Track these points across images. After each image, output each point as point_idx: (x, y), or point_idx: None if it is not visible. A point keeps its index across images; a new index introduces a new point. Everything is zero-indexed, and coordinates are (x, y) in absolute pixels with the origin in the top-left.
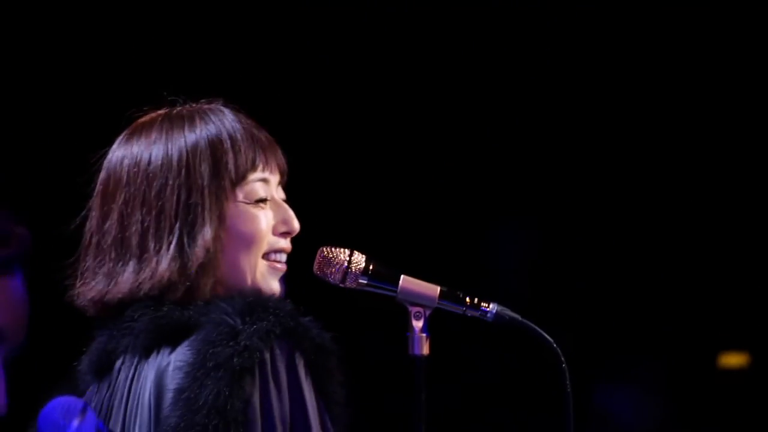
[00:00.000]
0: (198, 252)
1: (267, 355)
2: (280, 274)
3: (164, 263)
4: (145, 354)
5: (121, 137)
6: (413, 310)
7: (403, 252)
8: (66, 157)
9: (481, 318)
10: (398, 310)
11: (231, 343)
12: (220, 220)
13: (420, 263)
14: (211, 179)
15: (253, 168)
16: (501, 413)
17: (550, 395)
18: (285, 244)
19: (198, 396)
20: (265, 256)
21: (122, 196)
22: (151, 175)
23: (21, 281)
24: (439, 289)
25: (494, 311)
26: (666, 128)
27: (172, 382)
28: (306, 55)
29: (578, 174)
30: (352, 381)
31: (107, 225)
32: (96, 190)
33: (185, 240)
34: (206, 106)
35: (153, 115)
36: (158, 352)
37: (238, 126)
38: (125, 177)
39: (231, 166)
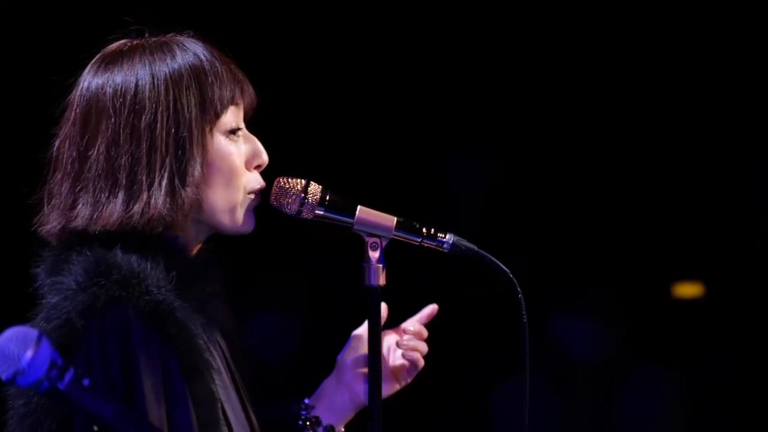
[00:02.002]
0: (189, 190)
1: (94, 325)
2: (255, 205)
3: (158, 199)
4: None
5: (94, 65)
6: (369, 240)
7: (359, 182)
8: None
9: (437, 248)
10: (355, 240)
11: (59, 314)
12: (204, 153)
13: (376, 193)
14: (198, 112)
15: (232, 101)
16: (456, 343)
17: (506, 325)
18: (261, 183)
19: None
20: (247, 191)
21: (108, 126)
22: (138, 106)
23: None
24: (395, 219)
25: (451, 242)
26: (614, 50)
27: None
28: None
29: (530, 101)
30: (309, 311)
31: (91, 154)
32: (72, 116)
33: (176, 175)
34: (180, 38)
35: (127, 43)
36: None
37: (216, 58)
38: (110, 107)
39: (215, 97)
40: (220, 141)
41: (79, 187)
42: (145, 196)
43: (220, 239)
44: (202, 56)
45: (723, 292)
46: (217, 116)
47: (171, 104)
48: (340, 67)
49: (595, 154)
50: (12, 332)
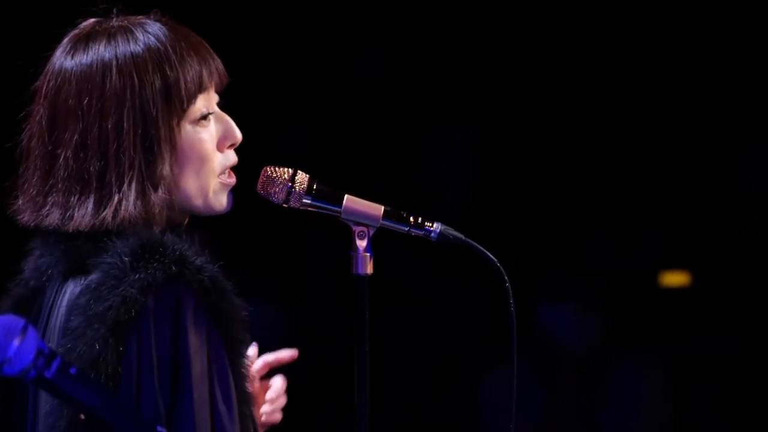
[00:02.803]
0: (160, 190)
1: (151, 303)
2: (230, 187)
3: (128, 201)
4: (64, 279)
5: (61, 51)
6: (357, 229)
7: (345, 172)
8: None
9: (425, 237)
10: (342, 229)
11: (113, 292)
12: (173, 149)
13: (362, 183)
14: (163, 105)
15: (200, 87)
16: (444, 331)
17: (493, 314)
18: (233, 159)
19: (76, 343)
20: (219, 175)
21: (76, 127)
22: (105, 107)
23: None
24: (382, 208)
25: (438, 231)
26: (605, 38)
27: (66, 322)
28: None
29: (515, 90)
30: (296, 300)
31: (60, 153)
32: (40, 109)
33: (145, 176)
34: (143, 20)
35: (95, 26)
36: (74, 280)
37: (180, 41)
38: (77, 106)
39: (180, 89)
40: (188, 130)
41: (48, 185)
42: (116, 198)
43: (208, 227)
44: (166, 42)
45: (710, 281)
46: (184, 108)
47: (137, 101)
48: (326, 56)
49: (581, 143)
50: None
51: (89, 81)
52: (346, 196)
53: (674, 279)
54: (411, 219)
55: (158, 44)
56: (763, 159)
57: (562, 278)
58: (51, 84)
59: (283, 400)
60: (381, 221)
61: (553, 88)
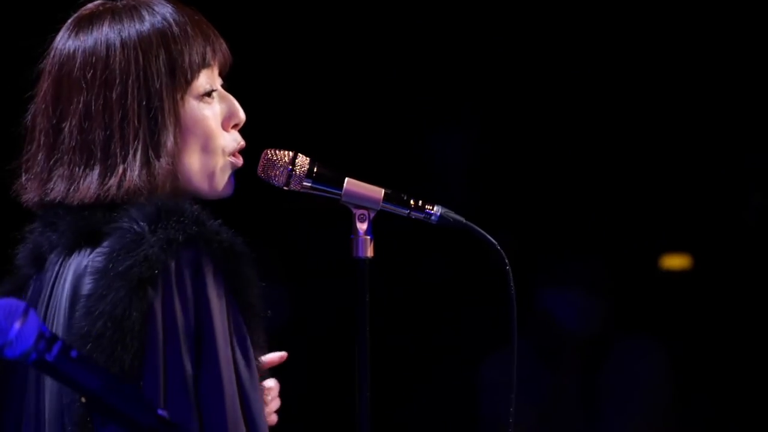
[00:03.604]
0: (163, 161)
1: (172, 265)
2: (236, 168)
3: (133, 171)
4: (68, 253)
5: (66, 30)
6: (357, 212)
7: (347, 154)
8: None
9: (425, 220)
10: (343, 211)
11: (133, 253)
12: (177, 122)
13: (362, 166)
14: (167, 79)
15: (204, 63)
16: (444, 316)
17: (494, 297)
18: (241, 141)
19: (98, 304)
20: (227, 156)
21: (81, 99)
22: (109, 78)
23: None
24: (383, 191)
25: (438, 213)
26: (606, 30)
27: (84, 288)
28: None
29: (516, 73)
30: (296, 283)
31: (64, 126)
32: (44, 86)
33: (150, 147)
34: (154, 4)
35: (99, 6)
36: (79, 253)
37: (185, 19)
38: (81, 78)
39: (185, 63)
40: (193, 106)
41: (53, 160)
42: (120, 169)
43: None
44: (171, 20)
45: (711, 264)
46: (188, 82)
47: (141, 74)
48: (324, 40)
49: (582, 127)
50: None
51: (93, 55)
52: (346, 179)
53: (675, 262)
54: (411, 202)
55: (163, 22)
56: (764, 142)
57: (562, 261)
58: (55, 61)
59: (277, 403)
60: (381, 204)
61: (554, 71)
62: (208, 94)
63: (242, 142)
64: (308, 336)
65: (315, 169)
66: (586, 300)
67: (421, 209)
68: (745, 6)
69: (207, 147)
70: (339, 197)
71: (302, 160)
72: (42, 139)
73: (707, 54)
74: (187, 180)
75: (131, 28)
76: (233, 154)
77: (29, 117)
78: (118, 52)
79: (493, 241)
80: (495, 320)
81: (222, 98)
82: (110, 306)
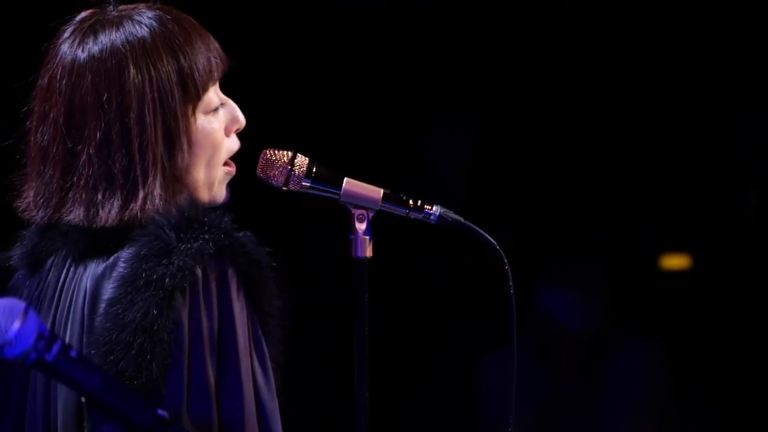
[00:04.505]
0: (181, 181)
1: (199, 274)
2: (231, 176)
3: (154, 196)
4: (81, 257)
5: (69, 42)
6: (356, 212)
7: (346, 154)
8: None
9: (424, 220)
10: (341, 211)
11: (164, 261)
12: (189, 138)
13: (360, 166)
14: (180, 96)
15: (211, 76)
16: (443, 316)
17: (493, 297)
18: (237, 144)
19: (126, 312)
20: (223, 165)
21: (98, 124)
22: (125, 102)
23: None
24: (382, 191)
25: (437, 213)
26: (604, 30)
27: (106, 292)
28: None
29: (514, 72)
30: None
31: (81, 149)
32: (53, 103)
33: (167, 168)
34: (144, 9)
35: (94, 17)
36: (95, 258)
37: (187, 30)
38: (96, 104)
39: (195, 75)
40: (202, 120)
41: (69, 183)
42: (141, 194)
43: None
44: (175, 31)
45: (710, 264)
46: (199, 97)
47: (156, 94)
48: (323, 41)
49: (581, 126)
50: None
51: (106, 75)
52: (345, 179)
53: (673, 262)
54: (410, 202)
55: (167, 32)
56: (762, 140)
57: (561, 261)
58: (65, 81)
59: None
60: (380, 204)
61: (552, 70)
62: (215, 109)
63: (238, 145)
64: (307, 336)
65: (314, 169)
66: (584, 299)
67: (420, 209)
68: (745, 7)
69: (212, 160)
70: (338, 197)
71: (301, 160)
72: (56, 161)
73: (706, 54)
74: (191, 190)
75: (138, 41)
76: (227, 163)
77: (37, 135)
78: (131, 71)
79: (492, 240)
80: (494, 320)
81: (224, 105)
82: (140, 315)
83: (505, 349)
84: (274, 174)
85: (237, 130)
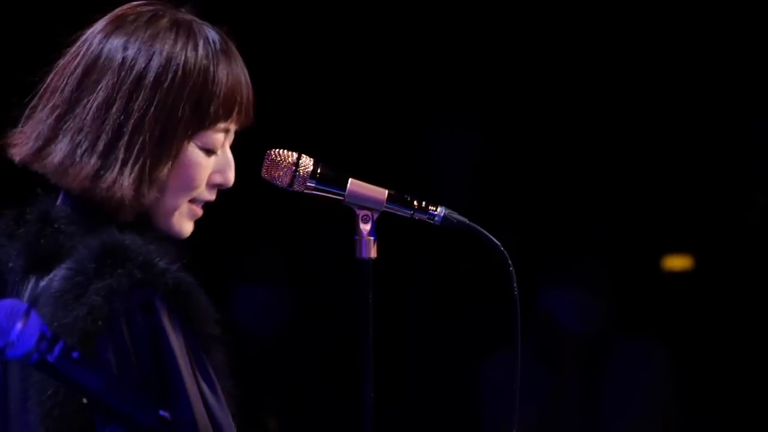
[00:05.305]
0: (153, 188)
1: (120, 310)
2: (197, 217)
3: (124, 181)
4: (24, 275)
5: (116, 22)
6: (361, 213)
7: (350, 155)
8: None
9: (428, 221)
10: (346, 212)
11: (78, 302)
12: (176, 156)
13: (366, 166)
14: (190, 115)
15: (226, 120)
16: (447, 316)
17: (496, 297)
18: (212, 197)
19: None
20: (192, 200)
21: (108, 84)
22: (142, 81)
23: None
24: (386, 192)
25: (442, 215)
26: (607, 32)
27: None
28: None
29: (517, 73)
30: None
31: (84, 99)
32: (80, 52)
33: (148, 166)
34: (208, 27)
35: (160, 11)
36: (35, 277)
37: (235, 72)
38: (116, 67)
39: (210, 109)
40: (194, 149)
41: (61, 127)
42: (115, 171)
43: (212, 211)
44: (219, 62)
45: (713, 265)
46: (203, 127)
47: (171, 94)
48: (329, 42)
49: (583, 126)
50: (1, 305)
51: (138, 50)
52: (350, 180)
53: (677, 263)
54: (415, 203)
55: (213, 54)
56: (766, 141)
57: (564, 262)
58: (95, 44)
59: None
60: (385, 205)
61: (554, 72)
62: (210, 152)
63: (212, 198)
64: (312, 336)
65: (319, 170)
66: (587, 301)
67: (425, 210)
68: (745, 7)
69: (184, 192)
70: (342, 198)
71: (306, 161)
72: (59, 102)
73: (709, 54)
74: (151, 211)
75: (185, 42)
76: (198, 206)
77: (53, 76)
78: (162, 58)
79: (496, 241)
80: (497, 321)
81: (223, 154)
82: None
83: (509, 350)
84: (278, 175)
85: (220, 185)
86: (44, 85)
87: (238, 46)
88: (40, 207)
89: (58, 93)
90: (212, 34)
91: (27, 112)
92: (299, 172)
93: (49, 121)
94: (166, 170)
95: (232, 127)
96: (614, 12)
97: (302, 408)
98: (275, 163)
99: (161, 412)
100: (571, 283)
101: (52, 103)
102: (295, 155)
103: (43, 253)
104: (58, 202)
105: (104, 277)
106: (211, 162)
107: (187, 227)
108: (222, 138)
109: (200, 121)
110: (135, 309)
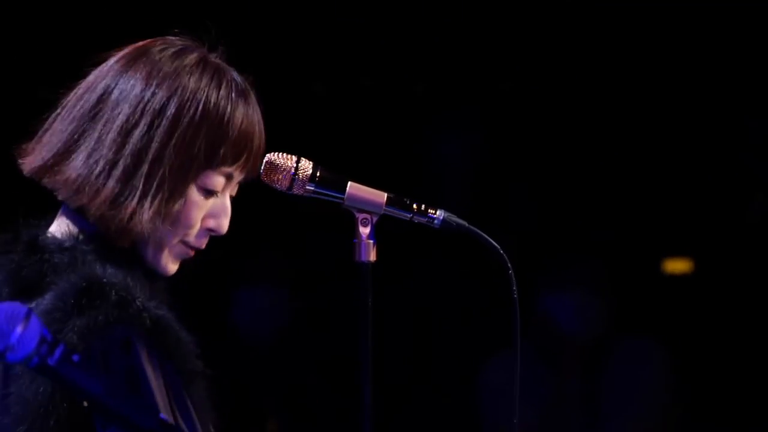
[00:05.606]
0: (167, 222)
1: (98, 347)
2: (184, 258)
3: (145, 214)
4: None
5: (149, 47)
6: (360, 216)
7: (350, 158)
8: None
9: (428, 224)
10: (345, 215)
11: (57, 336)
12: (184, 191)
13: (365, 169)
14: (203, 155)
15: (233, 164)
16: (447, 319)
17: (496, 300)
18: (203, 244)
19: (21, 393)
20: (184, 242)
21: (131, 110)
22: (164, 113)
23: None
24: (386, 195)
25: (441, 218)
26: (608, 33)
27: (8, 368)
28: None
29: (517, 75)
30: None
31: (104, 122)
32: (103, 73)
33: (165, 201)
34: (235, 74)
35: (190, 47)
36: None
37: (251, 118)
38: (138, 95)
39: (219, 151)
40: (194, 189)
41: (77, 144)
42: (135, 201)
43: None
44: (241, 112)
45: (713, 267)
46: (208, 166)
47: (191, 131)
48: (327, 44)
49: (583, 129)
50: (0, 308)
51: (163, 80)
52: (349, 183)
53: (677, 265)
54: (414, 206)
55: (235, 100)
56: (767, 143)
57: (564, 264)
58: (129, 62)
59: None
60: (384, 208)
61: (554, 72)
62: (210, 193)
63: (202, 245)
64: (311, 339)
65: (318, 173)
66: (587, 303)
67: (424, 213)
68: (745, 8)
69: (177, 230)
70: (342, 201)
71: (305, 165)
72: (76, 118)
73: (709, 55)
74: (141, 241)
75: (209, 82)
76: (190, 248)
77: (76, 94)
78: (185, 94)
79: (496, 244)
80: (497, 323)
81: (221, 199)
82: (32, 396)
83: (509, 352)
84: (278, 178)
85: (212, 230)
86: (64, 103)
87: (258, 97)
88: (30, 233)
89: (77, 110)
90: (237, 77)
91: (44, 125)
92: (298, 175)
93: (64, 136)
94: (179, 206)
95: (237, 175)
96: (614, 12)
97: (302, 409)
98: (274, 167)
99: (161, 415)
100: (571, 283)
101: (69, 120)
102: (295, 158)
103: (25, 282)
104: (58, 218)
105: (82, 313)
106: (208, 204)
107: (172, 266)
108: (223, 182)
109: (208, 161)
110: (113, 346)
